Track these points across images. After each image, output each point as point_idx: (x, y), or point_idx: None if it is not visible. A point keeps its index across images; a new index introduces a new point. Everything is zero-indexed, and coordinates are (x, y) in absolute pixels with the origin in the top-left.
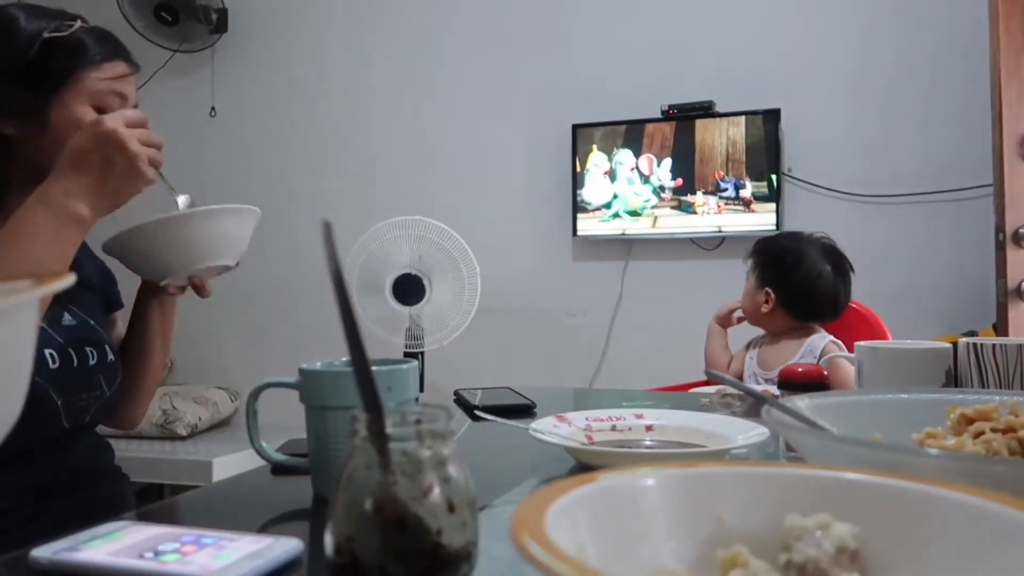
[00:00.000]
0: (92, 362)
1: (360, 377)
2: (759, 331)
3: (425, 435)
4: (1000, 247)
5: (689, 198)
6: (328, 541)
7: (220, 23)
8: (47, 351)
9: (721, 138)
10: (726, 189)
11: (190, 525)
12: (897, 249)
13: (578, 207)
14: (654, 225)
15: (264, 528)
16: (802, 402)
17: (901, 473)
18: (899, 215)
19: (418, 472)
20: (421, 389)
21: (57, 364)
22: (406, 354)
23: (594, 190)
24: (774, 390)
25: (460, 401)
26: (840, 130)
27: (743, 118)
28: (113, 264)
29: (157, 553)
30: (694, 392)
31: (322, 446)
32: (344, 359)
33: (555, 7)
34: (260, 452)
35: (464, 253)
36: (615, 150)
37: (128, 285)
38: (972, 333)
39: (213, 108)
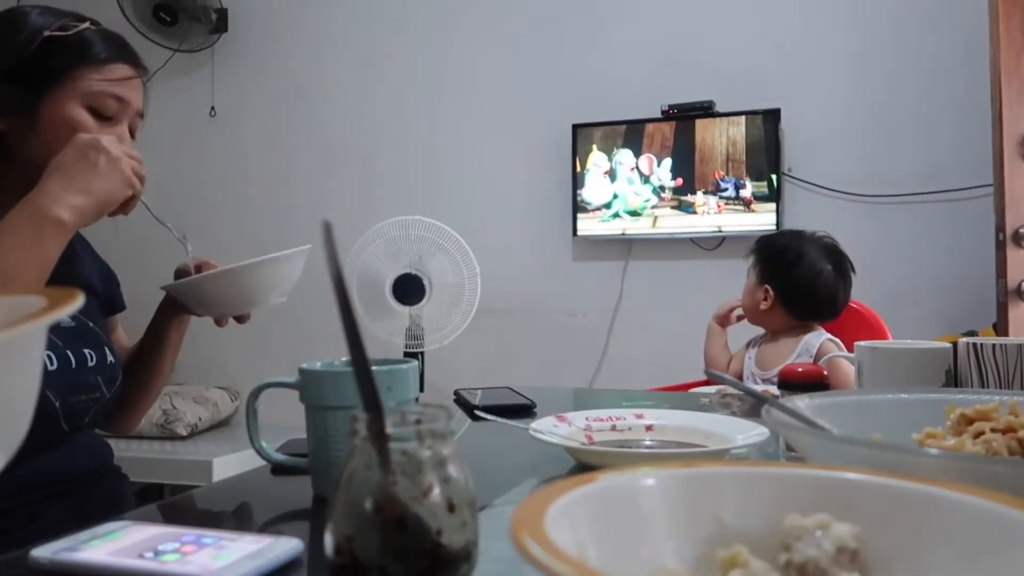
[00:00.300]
0: (91, 364)
1: (360, 377)
2: (759, 330)
3: (425, 435)
4: (1000, 247)
5: (689, 198)
6: (328, 541)
7: (220, 23)
8: (46, 352)
9: (721, 138)
10: (726, 189)
11: (190, 525)
12: (897, 249)
13: (578, 207)
14: (654, 225)
15: (264, 528)
16: (802, 402)
17: (901, 473)
18: (899, 215)
19: (418, 472)
20: (421, 389)
21: (56, 366)
22: (406, 354)
23: (594, 190)
24: (774, 390)
25: (460, 401)
26: (840, 130)
27: (743, 118)
28: (115, 265)
29: (157, 553)
30: (694, 392)
31: (322, 446)
32: (344, 359)
33: (555, 7)
34: (260, 452)
35: (464, 253)
36: (615, 150)
37: (129, 286)
38: (972, 333)
39: (213, 108)
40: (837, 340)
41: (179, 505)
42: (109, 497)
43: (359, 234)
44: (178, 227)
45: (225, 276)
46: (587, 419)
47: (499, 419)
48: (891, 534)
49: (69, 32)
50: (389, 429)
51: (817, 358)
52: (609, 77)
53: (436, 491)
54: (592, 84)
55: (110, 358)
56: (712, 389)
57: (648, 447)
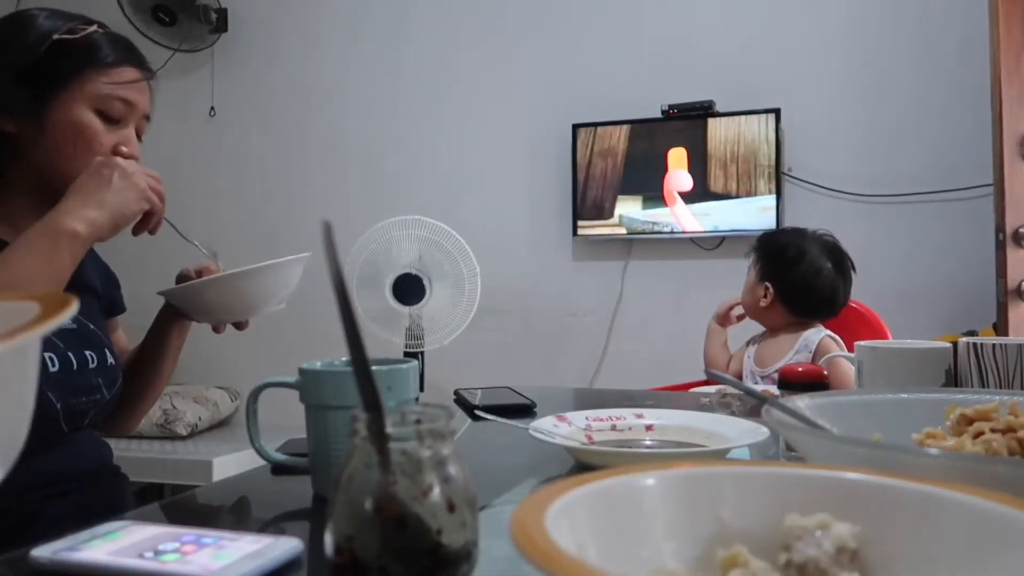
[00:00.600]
0: (92, 365)
1: (360, 377)
2: (758, 330)
3: (425, 435)
4: (1000, 247)
5: (689, 198)
6: (328, 541)
7: (220, 23)
8: (46, 354)
9: (721, 138)
10: (726, 189)
11: (190, 525)
12: (897, 249)
13: (578, 207)
14: (654, 225)
15: (264, 528)
16: (802, 402)
17: (901, 473)
18: (899, 215)
19: (418, 472)
20: (421, 389)
21: (56, 367)
22: (406, 354)
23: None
24: (774, 390)
25: (460, 401)
26: (840, 130)
27: (743, 118)
28: (116, 267)
29: (157, 553)
30: (694, 392)
31: (322, 446)
32: (344, 359)
33: (555, 7)
34: (260, 452)
35: (464, 253)
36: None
37: (129, 288)
38: (972, 333)
39: (213, 108)
40: (836, 337)
41: (179, 505)
42: (109, 497)
43: (359, 234)
44: (206, 243)
45: (223, 282)
46: (587, 419)
47: (499, 419)
48: (891, 534)
49: (77, 35)
50: (389, 429)
51: (816, 354)
52: (609, 77)
53: (436, 491)
54: (592, 84)
55: (111, 360)
56: (712, 389)
57: (648, 447)
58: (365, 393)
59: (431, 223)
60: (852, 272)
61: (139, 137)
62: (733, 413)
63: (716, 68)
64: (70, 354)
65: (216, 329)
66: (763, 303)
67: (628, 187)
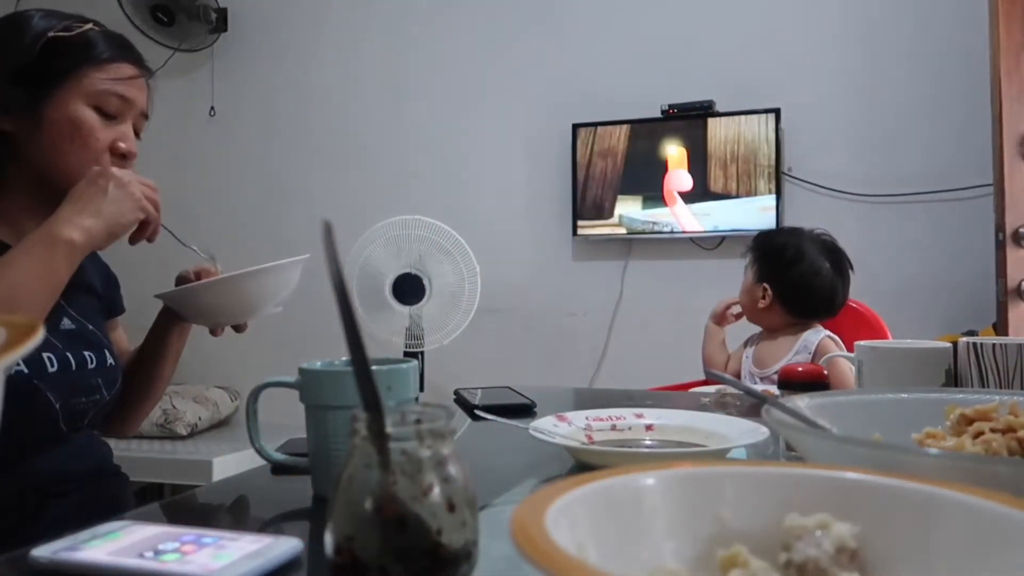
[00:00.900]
0: (91, 366)
1: (360, 377)
2: (756, 329)
3: (425, 435)
4: (1000, 247)
5: (689, 198)
6: (328, 541)
7: (220, 23)
8: (45, 355)
9: (721, 137)
10: (726, 188)
11: (190, 525)
12: (897, 249)
13: (578, 206)
14: (653, 225)
15: (264, 528)
16: (802, 402)
17: (901, 473)
18: (899, 215)
19: (418, 472)
20: (421, 389)
21: (55, 368)
22: (406, 354)
23: (594, 189)
24: (774, 390)
25: (460, 401)
26: (840, 130)
27: (743, 118)
28: (116, 268)
29: (157, 552)
30: (694, 392)
31: (322, 446)
32: (344, 359)
33: (555, 7)
34: (260, 452)
35: (464, 253)
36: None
37: (129, 288)
38: (972, 333)
39: (212, 108)
40: (836, 337)
41: (179, 505)
42: (109, 497)
43: (359, 234)
44: (204, 247)
45: (220, 285)
46: (587, 419)
47: (499, 419)
48: (891, 534)
49: (72, 33)
50: (389, 429)
51: (816, 355)
52: (609, 77)
53: (436, 491)
54: (592, 84)
55: (110, 360)
56: (712, 389)
57: (648, 447)
58: (365, 393)
59: (431, 223)
60: (850, 271)
61: (137, 135)
62: (733, 413)
63: (716, 68)
64: (69, 354)
65: (214, 332)
66: (761, 304)
67: (628, 187)
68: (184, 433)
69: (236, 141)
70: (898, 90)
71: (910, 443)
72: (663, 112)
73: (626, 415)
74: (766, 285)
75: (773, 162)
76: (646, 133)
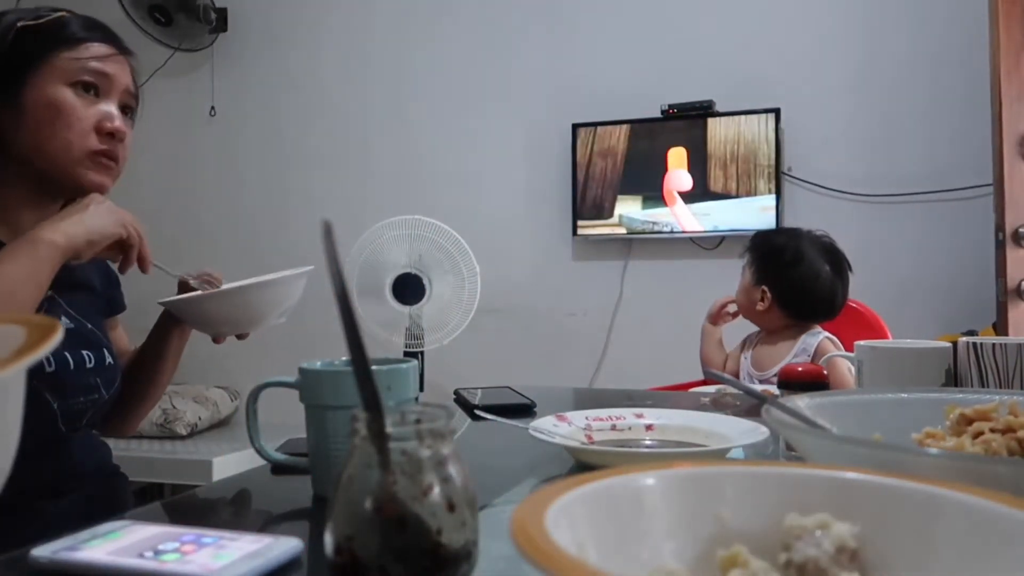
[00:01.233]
0: (90, 365)
1: (360, 376)
2: (754, 328)
3: (425, 434)
4: (1000, 247)
5: (689, 198)
6: (328, 541)
7: (219, 23)
8: None
9: (721, 137)
10: (726, 188)
11: (190, 524)
12: (897, 248)
13: (578, 206)
14: (653, 225)
15: (264, 528)
16: (802, 402)
17: (901, 473)
18: (899, 214)
19: (418, 472)
20: (421, 389)
21: (53, 367)
22: (406, 353)
23: (594, 189)
24: (774, 390)
25: (460, 401)
26: (840, 129)
27: (743, 118)
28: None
29: (157, 552)
30: (694, 392)
31: (322, 446)
32: (344, 359)
33: (555, 7)
34: (260, 452)
35: (464, 253)
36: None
37: (130, 287)
38: (972, 332)
39: (212, 107)
40: (835, 339)
41: (179, 505)
42: (108, 497)
43: (359, 234)
44: (200, 275)
45: (225, 296)
46: (587, 419)
47: (499, 419)
48: (891, 534)
49: (43, 20)
50: (389, 428)
51: (815, 358)
52: (609, 77)
53: (436, 491)
54: (592, 84)
55: (109, 359)
56: (712, 389)
57: (648, 447)
58: (365, 393)
59: (431, 223)
60: (849, 272)
61: (127, 114)
62: (733, 413)
63: (716, 68)
64: (67, 354)
65: (216, 340)
66: (760, 306)
67: (628, 187)
68: (184, 433)
69: (236, 141)
70: (898, 90)
71: (910, 443)
72: (663, 112)
73: (626, 415)
74: (764, 287)
75: (773, 162)
76: (646, 133)
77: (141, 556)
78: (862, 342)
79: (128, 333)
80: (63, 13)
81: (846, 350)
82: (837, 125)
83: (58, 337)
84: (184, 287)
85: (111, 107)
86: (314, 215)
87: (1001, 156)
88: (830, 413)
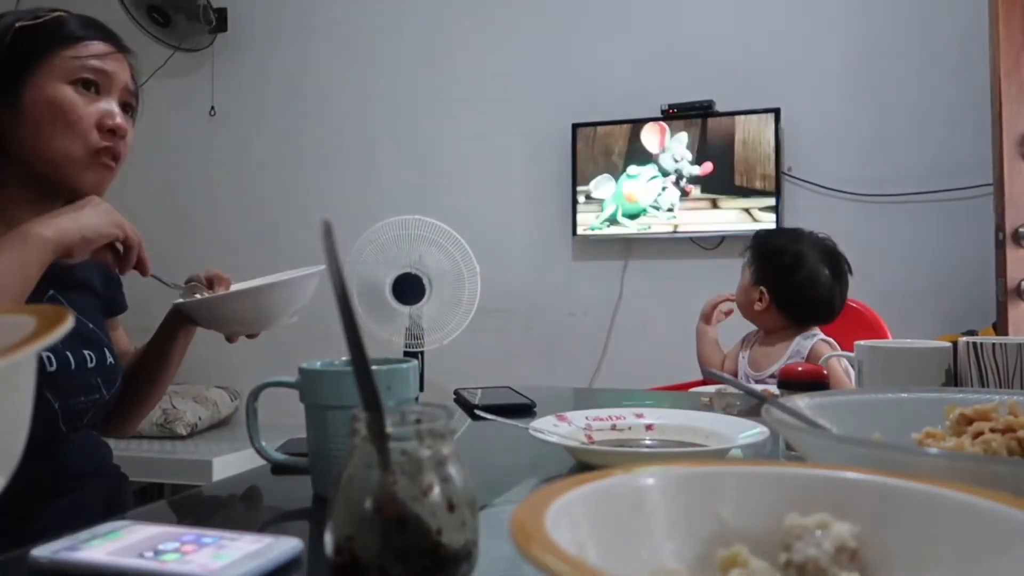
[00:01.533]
0: (91, 365)
1: (360, 376)
2: (751, 327)
3: (425, 434)
4: (1000, 246)
5: (689, 197)
6: (328, 541)
7: (219, 23)
8: (44, 354)
9: (721, 137)
10: (726, 188)
11: (190, 524)
12: (897, 248)
13: (578, 206)
14: (653, 224)
15: (264, 528)
16: (802, 401)
17: (901, 473)
18: (899, 214)
19: (418, 472)
20: (421, 388)
21: (54, 367)
22: (406, 353)
23: (594, 189)
24: (774, 389)
25: (460, 400)
26: (840, 129)
27: (743, 117)
28: None
29: (157, 552)
30: (694, 392)
31: (322, 446)
32: (344, 359)
33: (555, 7)
34: (260, 452)
35: (464, 253)
36: (614, 150)
37: (131, 287)
38: (972, 332)
39: (212, 107)
40: (831, 340)
41: (179, 505)
42: (109, 497)
43: (359, 234)
44: (197, 282)
45: (242, 296)
46: (587, 418)
47: (499, 419)
48: (891, 534)
49: (40, 19)
50: (389, 428)
51: (809, 360)
52: (609, 77)
53: (436, 491)
54: (592, 84)
55: (110, 359)
56: (712, 389)
57: (648, 446)
58: (365, 393)
59: (431, 223)
60: (849, 275)
61: (128, 113)
62: (733, 413)
63: (716, 68)
64: (68, 353)
65: (230, 339)
66: (758, 306)
67: (628, 187)
68: (184, 433)
69: (236, 141)
70: (898, 90)
71: (910, 443)
72: (663, 112)
73: (626, 415)
74: (763, 288)
75: (773, 162)
76: (646, 132)
77: (141, 556)
78: (862, 342)
79: (128, 333)
80: (61, 13)
81: (844, 351)
82: (837, 125)
83: (68, 325)
84: (192, 288)
85: (112, 105)
86: (314, 215)
87: (1001, 156)
88: (830, 413)
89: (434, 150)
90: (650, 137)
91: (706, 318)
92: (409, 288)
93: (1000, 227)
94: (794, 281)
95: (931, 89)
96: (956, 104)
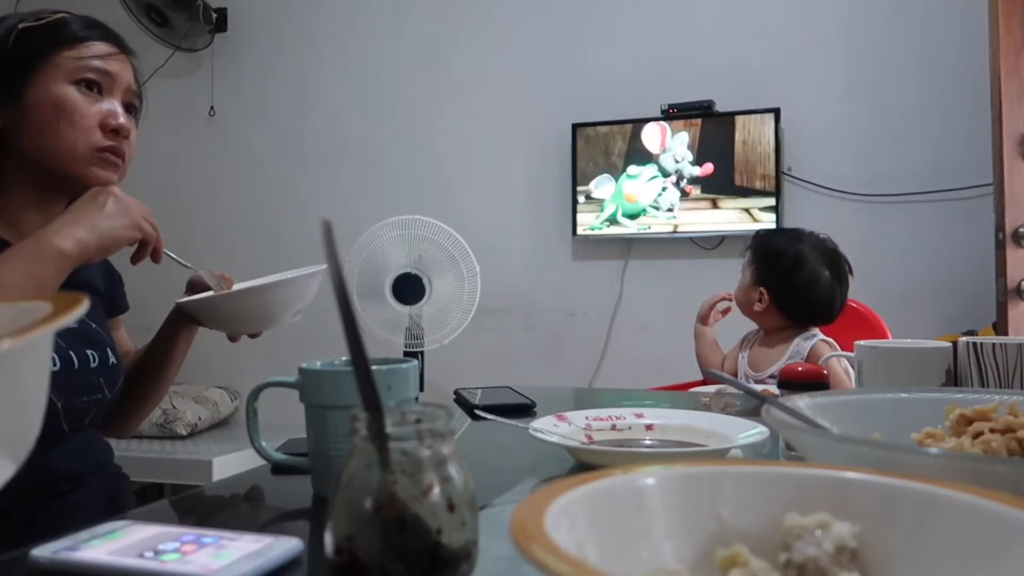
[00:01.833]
0: (93, 364)
1: (360, 376)
2: (750, 326)
3: (425, 434)
4: (1000, 246)
5: (689, 197)
6: (328, 541)
7: (219, 23)
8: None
9: (721, 137)
10: (726, 188)
11: (190, 524)
12: (897, 248)
13: (578, 206)
14: (653, 224)
15: (264, 528)
16: (802, 401)
17: (901, 473)
18: (899, 214)
19: (418, 471)
20: (421, 388)
21: (58, 366)
22: (406, 353)
23: (594, 189)
24: (774, 389)
25: (460, 400)
26: (840, 129)
27: (743, 117)
28: (119, 266)
29: (157, 552)
30: (694, 392)
31: (322, 446)
32: (344, 359)
33: (556, 7)
34: (260, 451)
35: (464, 253)
36: (614, 150)
37: (132, 287)
38: (972, 332)
39: (212, 107)
40: (831, 341)
41: (179, 504)
42: (109, 497)
43: (359, 234)
44: (208, 269)
45: (246, 295)
46: (587, 418)
47: (499, 419)
48: (891, 534)
49: (43, 20)
50: (389, 428)
51: (808, 361)
52: (609, 77)
53: (436, 490)
54: (592, 84)
55: (112, 359)
56: (712, 389)
57: (648, 446)
58: (365, 393)
59: (431, 223)
60: (849, 275)
61: (131, 113)
62: (733, 412)
63: (716, 68)
64: (71, 353)
65: (232, 339)
66: (757, 307)
67: (628, 186)
68: (184, 433)
69: (235, 141)
70: (898, 90)
71: (910, 443)
72: (663, 112)
73: (626, 415)
74: (763, 288)
75: (773, 162)
76: (646, 132)
77: (141, 556)
78: (862, 342)
79: (130, 332)
80: (64, 14)
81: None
82: (837, 125)
83: (84, 307)
84: (194, 286)
85: (115, 105)
86: (314, 215)
87: (1001, 156)
88: (830, 413)
89: (434, 150)
90: (651, 137)
91: (703, 319)
92: (409, 288)
93: (1000, 227)
94: (794, 282)
95: (931, 89)
96: (956, 104)
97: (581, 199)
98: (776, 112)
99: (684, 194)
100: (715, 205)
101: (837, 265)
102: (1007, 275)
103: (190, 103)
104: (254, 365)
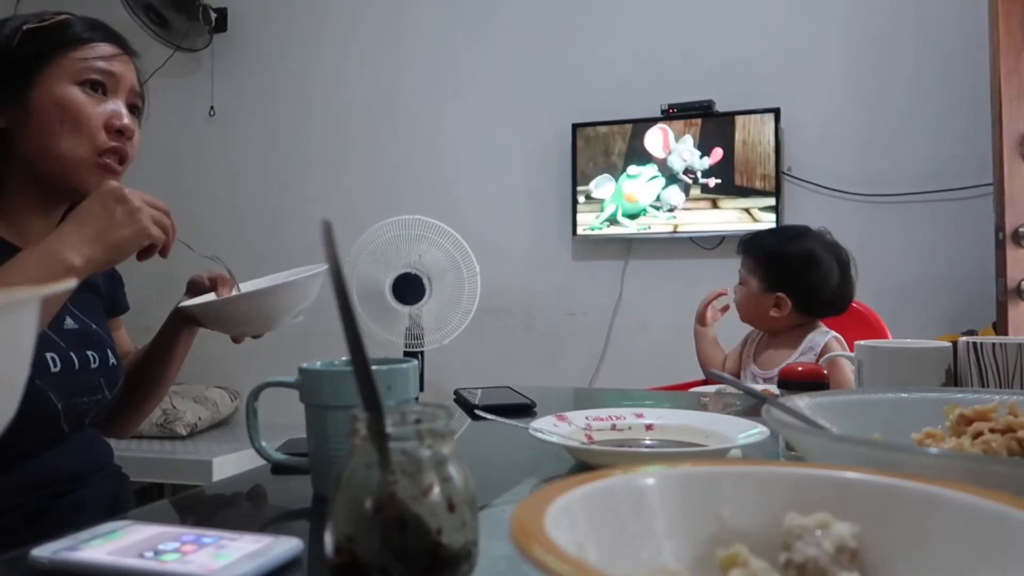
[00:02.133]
0: (94, 365)
1: (360, 376)
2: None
3: (425, 434)
4: (1000, 246)
5: (689, 197)
6: (328, 541)
7: (219, 22)
8: (48, 354)
9: (721, 137)
10: (726, 188)
11: (190, 524)
12: (897, 248)
13: (578, 206)
14: (653, 224)
15: (264, 528)
16: (802, 401)
17: (901, 473)
18: (899, 214)
19: (418, 471)
20: (421, 388)
21: (58, 367)
22: (406, 353)
23: (594, 189)
24: (774, 389)
25: (460, 400)
26: (840, 129)
27: (743, 117)
28: (119, 266)
29: (157, 552)
30: (694, 392)
31: (322, 446)
32: (344, 359)
33: (556, 7)
34: (260, 452)
35: (464, 253)
36: (615, 149)
37: (132, 287)
38: (972, 332)
39: (212, 107)
40: (841, 338)
41: (179, 504)
42: (109, 497)
43: (359, 233)
44: (216, 257)
45: (249, 298)
46: (587, 418)
47: (499, 419)
48: (891, 534)
49: (47, 22)
50: (389, 428)
51: (822, 356)
52: (609, 77)
53: (436, 491)
54: (592, 84)
55: (112, 360)
56: (712, 389)
57: (648, 446)
58: (365, 393)
59: (431, 223)
60: (852, 263)
61: (134, 114)
62: (733, 412)
63: (716, 68)
64: (72, 354)
65: (235, 340)
66: (774, 312)
67: (628, 186)
68: (184, 433)
69: (236, 141)
70: (898, 90)
71: (910, 443)
72: (663, 112)
73: (626, 415)
74: (780, 294)
75: (773, 162)
76: (646, 132)
77: (141, 556)
78: (862, 342)
79: (130, 333)
80: (67, 15)
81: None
82: (837, 125)
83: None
84: (194, 287)
85: (119, 105)
86: (314, 215)
87: (1001, 156)
88: (830, 413)
89: (434, 150)
90: (653, 140)
91: (701, 319)
92: (409, 288)
93: (1000, 227)
94: (812, 281)
95: (931, 89)
96: (956, 104)
97: (581, 199)
98: (776, 112)
99: (705, 188)
100: (715, 205)
101: (840, 255)
102: (1007, 275)
103: (190, 103)
104: (254, 365)
